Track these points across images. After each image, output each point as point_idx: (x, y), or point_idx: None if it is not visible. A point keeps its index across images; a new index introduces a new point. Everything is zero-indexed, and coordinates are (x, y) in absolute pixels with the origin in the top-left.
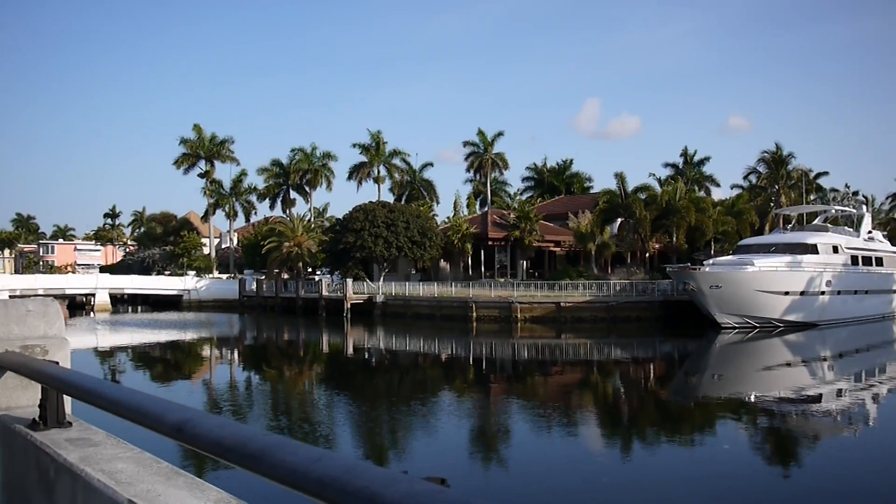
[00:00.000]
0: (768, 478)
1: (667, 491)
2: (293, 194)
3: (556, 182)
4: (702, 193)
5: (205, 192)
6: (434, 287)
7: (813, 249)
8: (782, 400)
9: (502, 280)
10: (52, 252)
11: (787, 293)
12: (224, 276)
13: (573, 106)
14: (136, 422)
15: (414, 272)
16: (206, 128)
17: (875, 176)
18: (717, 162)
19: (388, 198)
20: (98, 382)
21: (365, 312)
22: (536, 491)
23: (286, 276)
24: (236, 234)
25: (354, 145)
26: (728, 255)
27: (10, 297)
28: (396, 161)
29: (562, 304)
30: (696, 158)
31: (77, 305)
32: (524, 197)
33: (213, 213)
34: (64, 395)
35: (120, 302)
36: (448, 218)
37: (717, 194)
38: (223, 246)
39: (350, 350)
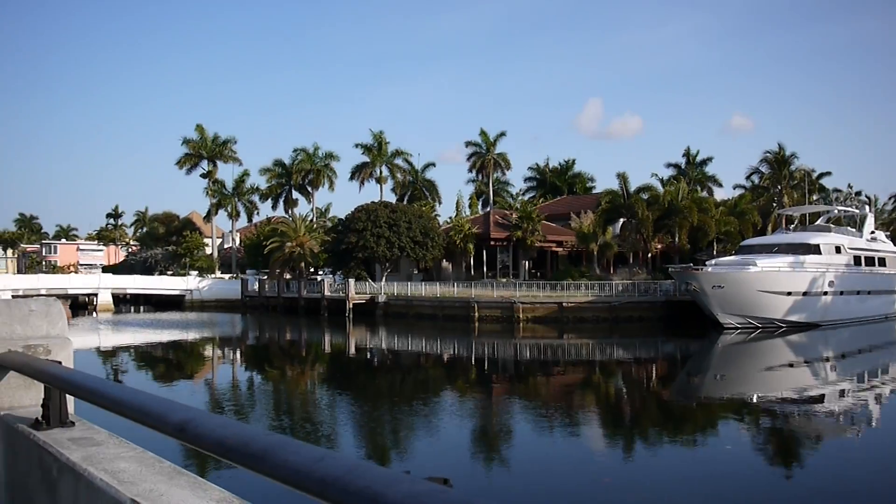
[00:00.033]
0: (771, 478)
1: (669, 491)
2: (295, 194)
3: (558, 182)
4: (704, 194)
5: (207, 193)
6: (436, 287)
7: (816, 250)
8: (785, 400)
9: (504, 280)
10: (55, 252)
11: (789, 293)
12: (226, 277)
13: (575, 106)
14: (139, 421)
15: (416, 272)
16: (209, 128)
17: (878, 176)
18: (720, 162)
19: (391, 198)
20: (101, 382)
21: (367, 312)
22: (539, 491)
23: (288, 276)
24: (239, 234)
25: (357, 145)
26: (730, 255)
27: (13, 296)
28: (399, 161)
29: (564, 304)
30: (698, 158)
31: (80, 305)
32: (526, 197)
33: (216, 213)
34: (67, 395)
35: (122, 302)
36: (450, 218)
37: (720, 194)
38: (225, 246)
39: (352, 350)
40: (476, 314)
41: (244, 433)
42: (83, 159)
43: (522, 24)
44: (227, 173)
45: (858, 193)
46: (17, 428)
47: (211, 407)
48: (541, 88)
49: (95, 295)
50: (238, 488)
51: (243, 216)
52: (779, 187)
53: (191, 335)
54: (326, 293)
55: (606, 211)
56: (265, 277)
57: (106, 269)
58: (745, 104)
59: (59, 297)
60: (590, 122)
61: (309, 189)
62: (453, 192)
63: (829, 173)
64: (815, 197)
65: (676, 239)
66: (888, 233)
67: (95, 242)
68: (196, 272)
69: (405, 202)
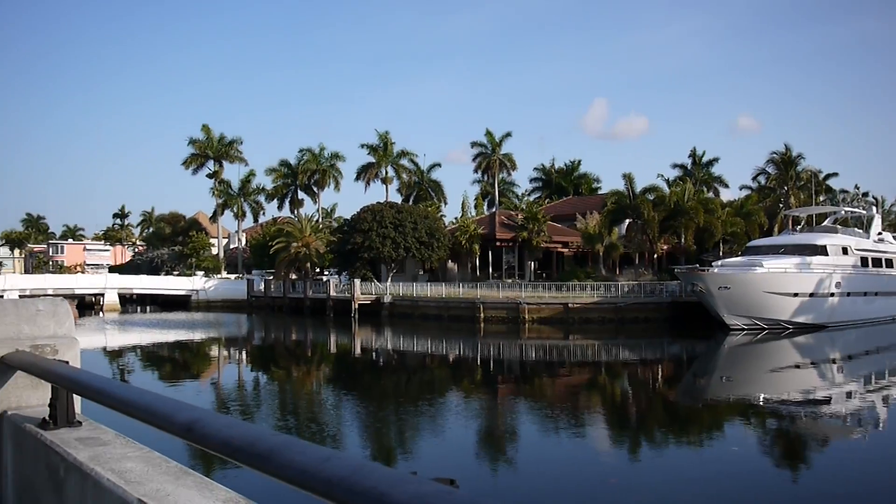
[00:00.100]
0: (777, 480)
1: (675, 492)
2: (301, 195)
3: (563, 183)
4: (710, 194)
5: (213, 193)
6: (442, 288)
7: (822, 251)
8: (791, 402)
9: (510, 281)
10: (62, 252)
11: (796, 295)
12: (232, 277)
13: (581, 106)
14: (146, 421)
15: (421, 273)
16: (215, 128)
17: (885, 177)
18: (726, 163)
19: (396, 198)
20: (108, 382)
21: (372, 313)
22: (545, 492)
23: (294, 276)
24: (244, 234)
25: (362, 146)
26: (737, 256)
27: (21, 296)
28: (404, 162)
29: (570, 305)
30: (704, 159)
31: (86, 305)
32: (532, 198)
33: (222, 213)
34: (74, 395)
35: (129, 302)
36: (456, 219)
37: (726, 195)
38: (231, 246)
39: (358, 350)
40: (481, 315)
41: (250, 433)
42: (90, 159)
43: (528, 25)
44: (233, 173)
45: (865, 194)
46: (24, 427)
47: (217, 407)
48: (546, 89)
49: (102, 295)
50: (244, 488)
51: (249, 216)
52: (785, 188)
53: (197, 335)
54: (332, 294)
55: (612, 212)
56: (271, 278)
57: (112, 270)
58: (752, 105)
59: (65, 296)
60: (595, 123)
61: (315, 189)
62: (459, 192)
63: (835, 174)
64: (821, 198)
65: (682, 240)
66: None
67: (102, 242)
68: (202, 272)
69: (411, 203)
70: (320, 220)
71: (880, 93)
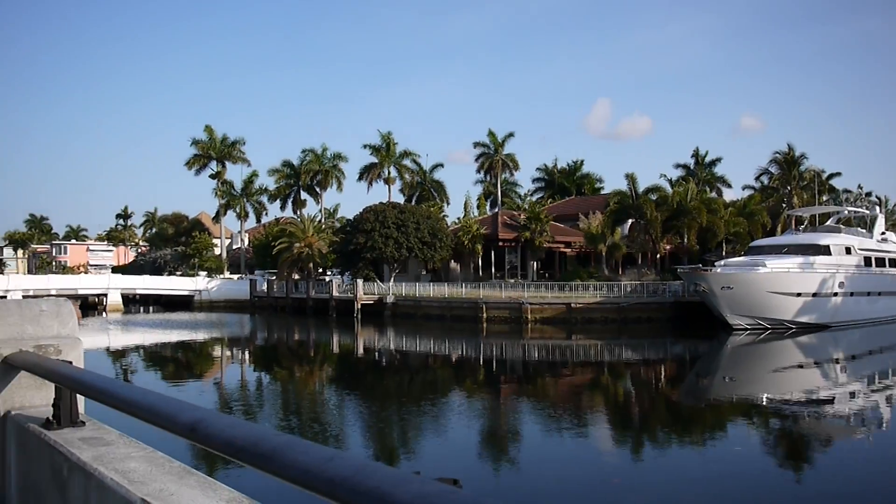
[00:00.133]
0: (780, 480)
1: (678, 492)
2: (304, 195)
3: (566, 183)
4: (713, 194)
5: (216, 193)
6: (444, 288)
7: (825, 251)
8: (794, 402)
9: (512, 281)
10: (65, 252)
11: (799, 294)
12: (234, 277)
13: (584, 106)
14: (150, 421)
15: (424, 273)
16: (217, 128)
17: (889, 177)
18: (729, 163)
19: (399, 198)
20: (111, 382)
21: (375, 313)
22: (548, 492)
23: (297, 276)
24: (247, 234)
25: (365, 146)
26: (740, 256)
27: (24, 297)
28: (407, 162)
29: (572, 305)
30: (707, 159)
31: (89, 306)
32: (535, 198)
33: (225, 213)
34: (77, 395)
35: (132, 302)
36: (458, 219)
37: (729, 195)
38: (234, 246)
39: (360, 350)
40: (484, 315)
41: (254, 433)
42: (93, 160)
43: (531, 25)
44: (235, 174)
45: (869, 194)
46: (28, 427)
47: (220, 407)
48: (549, 89)
49: (105, 295)
50: (248, 488)
51: (252, 217)
52: (788, 188)
53: (200, 335)
54: (335, 294)
55: (615, 212)
56: (273, 278)
57: (115, 270)
58: (754, 104)
59: (69, 297)
60: (598, 123)
61: (317, 190)
62: (461, 192)
63: (839, 174)
64: (824, 198)
65: (685, 240)
66: None
67: (105, 243)
68: (205, 273)
69: (413, 203)
70: (323, 220)
71: (884, 92)
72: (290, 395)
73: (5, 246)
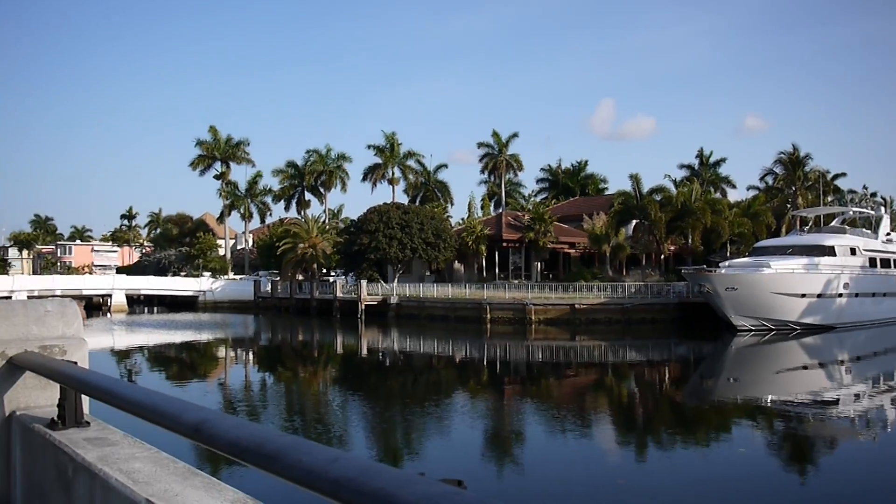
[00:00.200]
0: (785, 482)
1: (682, 493)
2: (308, 195)
3: (570, 183)
4: (718, 195)
5: (220, 194)
6: (448, 289)
7: (830, 251)
8: (799, 403)
9: (516, 282)
10: (70, 253)
11: (803, 295)
12: (237, 277)
13: (587, 106)
14: (154, 422)
15: (428, 274)
16: (221, 129)
17: (894, 177)
18: (734, 163)
19: (403, 199)
20: (116, 382)
21: (379, 314)
22: (553, 493)
23: (301, 277)
24: (251, 235)
25: (369, 147)
26: (744, 257)
27: (29, 297)
28: (411, 162)
29: (576, 305)
30: (711, 159)
31: (94, 306)
32: (539, 198)
33: (229, 214)
34: (82, 395)
35: (136, 303)
36: (462, 219)
37: (734, 196)
38: (238, 247)
39: (364, 351)
40: (488, 316)
41: (258, 434)
42: (97, 161)
43: (535, 25)
44: (240, 174)
45: (874, 195)
46: (33, 428)
47: (224, 408)
48: (553, 89)
49: (109, 296)
50: (252, 489)
51: (256, 217)
52: (793, 188)
53: (204, 336)
54: (339, 294)
55: (619, 212)
56: (277, 279)
57: (120, 270)
58: (759, 105)
59: (73, 297)
60: (602, 123)
61: (321, 190)
62: (465, 193)
63: (843, 174)
64: (829, 198)
65: (689, 240)
66: None
67: (109, 243)
68: (209, 273)
69: (417, 203)
70: (327, 220)
71: (888, 93)
72: (294, 396)
73: (10, 246)
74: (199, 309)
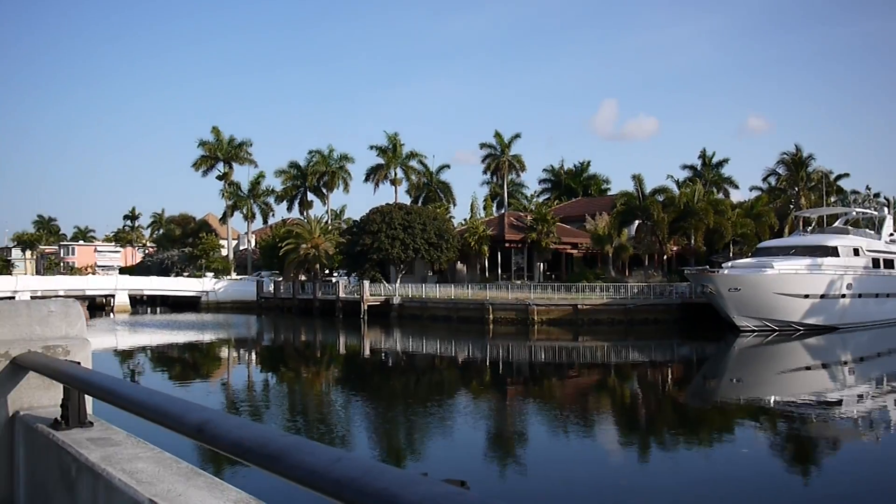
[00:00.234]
0: (787, 483)
1: (685, 494)
2: (310, 196)
3: (573, 184)
4: (720, 195)
5: (223, 194)
6: (451, 289)
7: (833, 252)
8: (802, 404)
9: (519, 282)
10: (73, 253)
11: (806, 296)
12: (239, 278)
13: (590, 107)
14: (157, 422)
15: (431, 274)
16: (224, 129)
17: None
18: (736, 164)
19: (405, 200)
20: (119, 383)
21: (382, 314)
22: (555, 493)
23: (303, 277)
24: (254, 235)
25: (371, 147)
26: (747, 257)
27: (32, 297)
28: (413, 163)
29: (579, 306)
30: (714, 160)
31: (97, 306)
32: (541, 199)
33: (232, 214)
34: (85, 395)
35: (139, 303)
36: (465, 220)
37: (736, 196)
38: (241, 247)
39: (367, 352)
40: (490, 316)
41: (261, 434)
42: (100, 162)
43: (537, 25)
44: (242, 175)
45: (877, 195)
46: (36, 428)
47: (227, 408)
48: (555, 89)
49: (112, 296)
50: (255, 489)
51: (259, 218)
52: (796, 189)
53: (207, 336)
54: (341, 295)
55: (621, 213)
56: (280, 279)
57: (123, 271)
58: (761, 105)
59: (76, 298)
60: (605, 124)
61: (324, 191)
62: (468, 193)
63: (846, 175)
64: (832, 199)
65: (692, 241)
66: None
67: (113, 244)
68: (212, 274)
69: (420, 204)
70: (329, 221)
71: (890, 93)
72: (297, 396)
73: (14, 247)
74: (201, 309)
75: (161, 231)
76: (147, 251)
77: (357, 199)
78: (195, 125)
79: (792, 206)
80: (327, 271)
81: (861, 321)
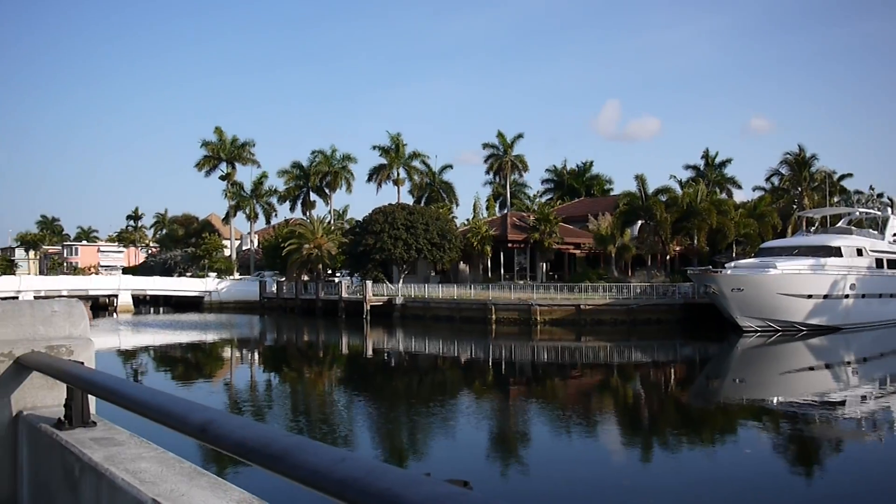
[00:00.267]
0: (790, 483)
1: (687, 494)
2: (313, 196)
3: (575, 184)
4: (723, 195)
5: (226, 195)
6: (453, 289)
7: (837, 252)
8: (805, 405)
9: (522, 282)
10: (76, 254)
11: (810, 296)
12: (241, 278)
13: (593, 107)
14: (161, 422)
15: (433, 274)
16: (227, 130)
17: None
18: (739, 164)
19: (408, 200)
20: (122, 383)
21: (384, 314)
22: (558, 493)
23: (306, 278)
24: (257, 235)
25: (374, 147)
26: (750, 257)
27: (36, 297)
28: (416, 163)
29: (581, 306)
30: (717, 160)
31: (100, 306)
32: (544, 199)
33: (234, 214)
34: (89, 395)
35: (142, 303)
36: (467, 220)
37: (739, 196)
38: (244, 248)
39: (369, 352)
40: (493, 316)
41: (265, 434)
42: (103, 162)
43: (540, 26)
44: (245, 175)
45: (880, 195)
46: (40, 428)
47: (230, 408)
48: (558, 90)
49: (116, 296)
50: (258, 489)
51: (261, 218)
52: (799, 189)
53: (210, 336)
54: (344, 295)
55: (624, 213)
56: (283, 279)
57: (126, 271)
58: (764, 105)
59: (80, 298)
60: (607, 124)
61: (326, 191)
62: (470, 193)
63: (850, 175)
64: (835, 199)
65: (695, 241)
66: None
67: (116, 244)
68: (214, 274)
69: (422, 204)
70: (332, 221)
71: (894, 94)
72: (300, 396)
73: (17, 247)
74: (204, 309)
75: (164, 231)
76: (150, 251)
77: (360, 200)
78: (197, 125)
79: (795, 207)
80: (330, 271)
81: (864, 322)
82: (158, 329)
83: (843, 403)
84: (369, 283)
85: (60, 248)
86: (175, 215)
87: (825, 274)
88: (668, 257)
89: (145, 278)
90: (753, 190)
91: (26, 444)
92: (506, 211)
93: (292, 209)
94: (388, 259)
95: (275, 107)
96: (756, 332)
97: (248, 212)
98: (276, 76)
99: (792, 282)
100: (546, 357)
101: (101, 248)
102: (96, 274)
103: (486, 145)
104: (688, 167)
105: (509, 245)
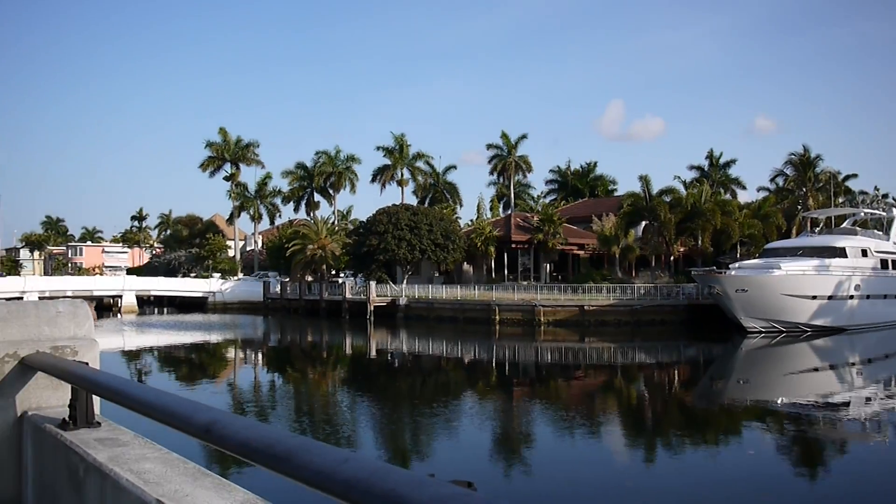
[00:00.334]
0: (794, 485)
1: (691, 496)
2: (317, 197)
3: (579, 185)
4: (728, 196)
5: (230, 195)
6: (457, 290)
7: (841, 253)
8: (809, 406)
9: (525, 283)
10: (81, 254)
11: (814, 297)
12: (243, 278)
13: (596, 108)
14: (165, 423)
15: (437, 275)
16: (231, 130)
17: None
18: (744, 164)
19: (412, 200)
20: (127, 383)
21: (388, 315)
22: (561, 494)
23: (310, 278)
24: (261, 236)
25: (378, 148)
26: (754, 258)
27: (40, 298)
28: (420, 164)
29: (585, 307)
30: (721, 161)
31: (104, 307)
32: (548, 200)
33: (238, 215)
34: (93, 396)
35: (146, 303)
36: (471, 220)
37: (744, 197)
38: (248, 248)
39: (373, 352)
40: (497, 317)
41: (269, 435)
42: (108, 162)
43: (543, 26)
44: (249, 176)
45: (885, 196)
46: (44, 428)
47: (234, 408)
48: (562, 90)
49: (120, 296)
50: (262, 489)
51: (265, 219)
52: (804, 189)
53: (214, 337)
54: (348, 296)
55: (628, 213)
56: (287, 280)
57: (130, 271)
58: (769, 106)
59: (84, 298)
60: (611, 124)
61: (330, 192)
62: (474, 194)
63: (855, 175)
64: (840, 199)
65: (699, 242)
66: None
67: (120, 245)
68: (218, 274)
69: (426, 205)
70: (336, 222)
71: None
72: (304, 397)
73: (22, 247)
74: (208, 310)
75: (168, 232)
76: (154, 252)
77: (363, 200)
78: (200, 125)
79: (799, 207)
80: (334, 272)
81: (869, 322)
82: (162, 329)
83: (847, 405)
84: (373, 283)
85: (65, 248)
86: (179, 216)
87: (830, 275)
88: (672, 258)
89: (149, 279)
90: (758, 190)
91: (31, 444)
92: (509, 211)
93: (296, 210)
94: (391, 260)
95: (278, 107)
96: (760, 333)
97: (252, 212)
98: (279, 76)
99: (796, 282)
100: (550, 358)
101: (106, 249)
102: (101, 274)
103: (489, 146)
104: (692, 168)
105: (513, 246)
